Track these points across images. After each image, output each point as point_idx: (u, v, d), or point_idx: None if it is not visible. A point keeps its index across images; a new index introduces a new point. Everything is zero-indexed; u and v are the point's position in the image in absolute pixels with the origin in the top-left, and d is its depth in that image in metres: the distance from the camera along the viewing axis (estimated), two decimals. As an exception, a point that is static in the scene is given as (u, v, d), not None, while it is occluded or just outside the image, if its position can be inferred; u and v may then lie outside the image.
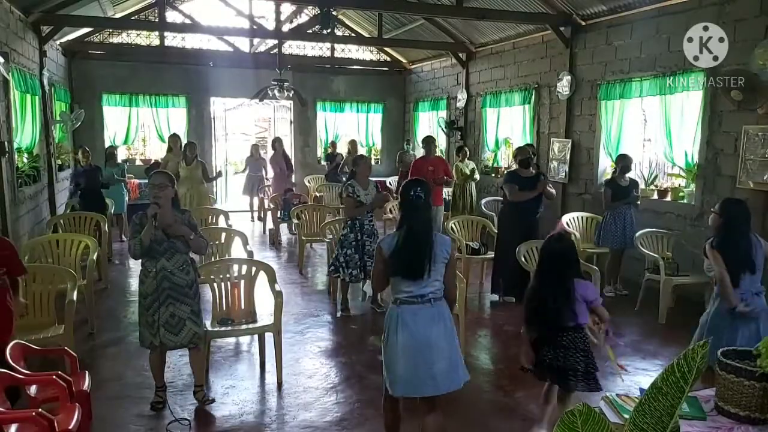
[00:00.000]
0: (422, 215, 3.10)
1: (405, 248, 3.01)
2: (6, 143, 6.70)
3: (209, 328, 4.32)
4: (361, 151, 13.27)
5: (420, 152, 10.52)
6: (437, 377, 2.99)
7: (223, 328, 4.49)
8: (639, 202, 6.86)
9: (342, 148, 12.46)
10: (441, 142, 12.61)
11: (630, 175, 6.89)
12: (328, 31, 9.04)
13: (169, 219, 3.71)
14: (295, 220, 8.52)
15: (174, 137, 9.94)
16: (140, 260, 3.86)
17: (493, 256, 6.89)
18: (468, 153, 10.12)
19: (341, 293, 6.19)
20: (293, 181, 10.51)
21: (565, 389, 3.39)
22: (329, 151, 12.61)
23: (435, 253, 3.03)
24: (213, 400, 4.10)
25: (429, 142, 8.12)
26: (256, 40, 12.63)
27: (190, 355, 4.05)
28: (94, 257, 5.67)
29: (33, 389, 3.22)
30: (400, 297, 3.04)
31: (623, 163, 6.83)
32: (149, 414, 3.93)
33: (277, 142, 10.71)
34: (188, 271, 3.86)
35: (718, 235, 3.76)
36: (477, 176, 9.85)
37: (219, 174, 11.14)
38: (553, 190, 6.58)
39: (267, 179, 11.43)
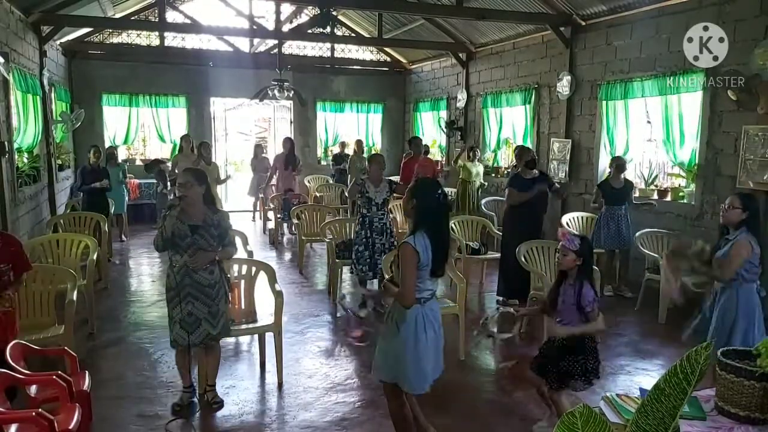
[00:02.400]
0: (448, 215, 3.29)
1: (441, 249, 3.10)
2: (6, 143, 6.70)
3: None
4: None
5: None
6: (440, 361, 3.24)
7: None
8: (652, 204, 6.94)
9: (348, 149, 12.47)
10: (441, 142, 12.65)
11: (629, 176, 6.92)
12: (327, 30, 9.03)
13: (200, 262, 3.71)
14: (295, 220, 8.52)
15: (186, 138, 9.84)
16: (165, 254, 3.85)
17: (493, 256, 6.89)
18: (478, 154, 10.08)
19: (359, 292, 6.22)
20: (295, 180, 10.39)
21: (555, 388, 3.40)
22: (337, 151, 12.44)
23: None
24: (222, 403, 4.04)
25: (418, 143, 8.10)
26: (256, 40, 12.63)
27: (205, 355, 4.04)
28: (94, 257, 5.67)
29: (33, 389, 3.21)
30: (424, 296, 3.11)
31: (617, 163, 6.86)
32: (149, 414, 3.93)
33: (287, 142, 10.41)
34: (212, 270, 3.81)
35: (745, 231, 3.71)
36: (481, 181, 9.77)
37: (228, 177, 11.24)
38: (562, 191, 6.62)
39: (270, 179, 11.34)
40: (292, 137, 12.61)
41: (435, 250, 3.04)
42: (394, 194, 6.11)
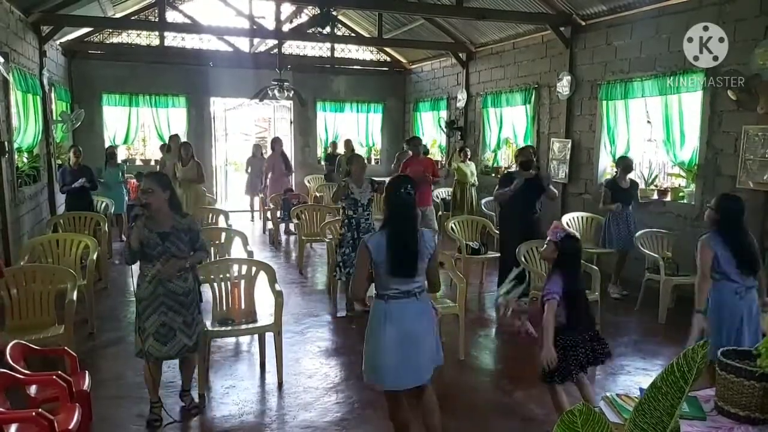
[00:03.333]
0: (411, 212, 3.13)
1: (395, 247, 3.00)
2: (6, 143, 6.70)
3: (209, 328, 4.30)
4: (361, 150, 13.29)
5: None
6: (420, 368, 3.08)
7: (223, 328, 4.49)
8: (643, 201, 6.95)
9: (340, 148, 12.51)
10: (441, 142, 12.64)
11: (630, 175, 6.91)
12: (327, 30, 9.01)
13: (171, 270, 3.60)
14: (295, 220, 8.53)
15: (174, 138, 9.89)
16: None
17: (493, 256, 6.90)
18: (469, 154, 10.10)
19: (345, 294, 6.18)
20: (291, 181, 10.45)
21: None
22: (329, 151, 12.65)
23: (421, 250, 3.05)
24: (199, 407, 3.99)
25: (416, 144, 8.11)
26: (256, 40, 12.63)
27: (181, 362, 3.96)
28: (94, 257, 5.67)
29: (33, 389, 3.21)
30: (388, 293, 3.06)
31: (624, 164, 6.85)
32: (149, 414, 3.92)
33: (276, 143, 10.66)
34: (186, 278, 3.69)
35: (713, 231, 3.74)
36: (475, 180, 9.81)
37: None
38: (555, 191, 6.59)
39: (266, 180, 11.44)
40: (292, 137, 12.65)
41: (391, 249, 2.97)
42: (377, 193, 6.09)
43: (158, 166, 11.25)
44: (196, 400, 4.07)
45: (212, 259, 5.46)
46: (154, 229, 3.60)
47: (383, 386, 3.14)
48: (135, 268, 3.88)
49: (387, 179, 7.55)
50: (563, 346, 3.31)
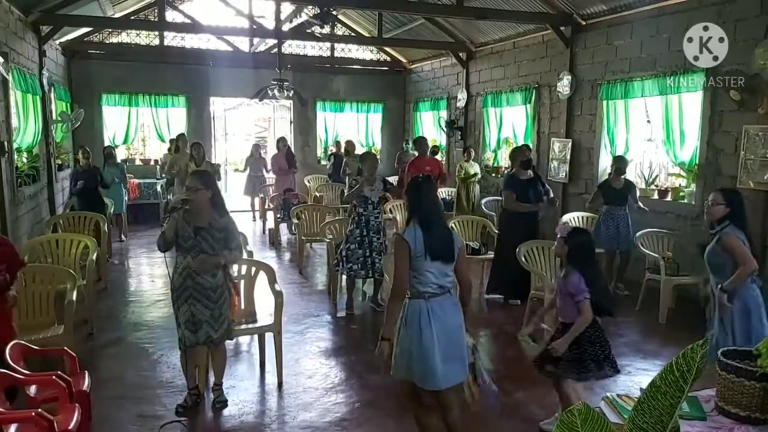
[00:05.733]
0: (435, 197, 3.29)
1: (434, 230, 3.12)
2: (6, 143, 6.70)
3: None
4: (360, 150, 13.26)
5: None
6: (465, 360, 3.15)
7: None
8: (642, 206, 6.83)
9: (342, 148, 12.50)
10: (441, 142, 12.63)
11: (630, 176, 6.91)
12: (327, 30, 9.01)
13: (206, 267, 3.71)
14: (295, 220, 8.52)
15: (181, 137, 9.82)
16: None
17: (492, 257, 6.90)
18: (473, 153, 10.11)
19: (347, 291, 6.20)
20: (294, 180, 10.44)
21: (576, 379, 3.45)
22: (332, 150, 12.57)
23: (454, 240, 3.19)
24: (226, 402, 4.04)
25: (422, 143, 8.08)
26: (255, 40, 12.63)
27: (211, 354, 4.05)
28: (94, 257, 5.66)
29: (33, 389, 3.21)
30: (428, 290, 3.10)
31: (618, 165, 6.84)
32: (149, 414, 3.92)
33: (280, 142, 10.65)
34: (215, 273, 3.79)
35: (728, 224, 3.71)
36: (478, 177, 9.83)
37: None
38: (556, 199, 6.63)
39: (268, 179, 11.45)
40: (292, 137, 12.61)
41: (429, 233, 3.08)
42: (389, 194, 6.12)
43: (158, 166, 11.29)
44: (225, 396, 4.09)
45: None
46: (191, 222, 3.73)
47: (439, 387, 3.09)
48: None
49: (388, 179, 7.54)
50: (587, 340, 3.32)
